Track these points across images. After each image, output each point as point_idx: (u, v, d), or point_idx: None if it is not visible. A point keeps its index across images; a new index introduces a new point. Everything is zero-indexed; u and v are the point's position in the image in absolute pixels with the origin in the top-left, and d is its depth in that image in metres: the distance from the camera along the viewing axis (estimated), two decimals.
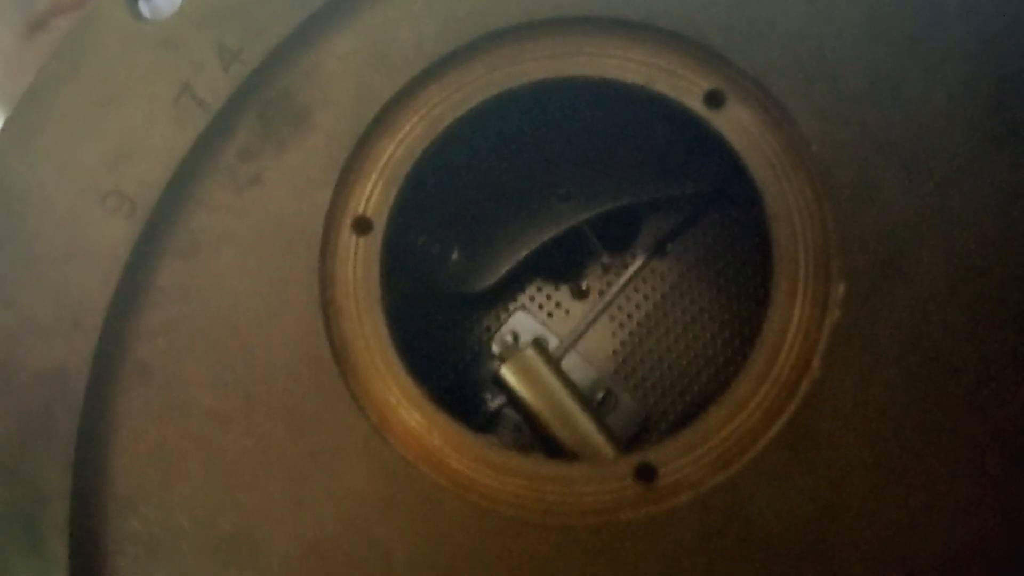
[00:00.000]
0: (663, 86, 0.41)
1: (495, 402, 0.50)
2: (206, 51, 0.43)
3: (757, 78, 0.40)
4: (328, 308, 0.42)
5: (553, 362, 0.47)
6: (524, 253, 0.56)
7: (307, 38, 0.43)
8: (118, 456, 0.41)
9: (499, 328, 0.56)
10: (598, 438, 0.44)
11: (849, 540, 0.36)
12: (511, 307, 0.57)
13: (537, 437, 0.46)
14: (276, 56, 0.43)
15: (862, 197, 0.38)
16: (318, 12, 0.43)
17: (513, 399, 0.46)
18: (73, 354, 0.41)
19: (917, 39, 0.38)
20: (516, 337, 0.52)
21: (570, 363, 0.56)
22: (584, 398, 0.46)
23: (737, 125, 0.40)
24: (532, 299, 0.58)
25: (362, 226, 0.43)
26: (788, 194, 0.39)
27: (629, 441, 0.55)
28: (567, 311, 0.57)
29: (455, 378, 0.53)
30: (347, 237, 0.43)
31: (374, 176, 0.43)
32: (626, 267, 0.57)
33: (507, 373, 0.45)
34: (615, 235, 0.57)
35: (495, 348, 0.47)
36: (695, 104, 0.41)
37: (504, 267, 0.56)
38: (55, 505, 0.40)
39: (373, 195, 0.43)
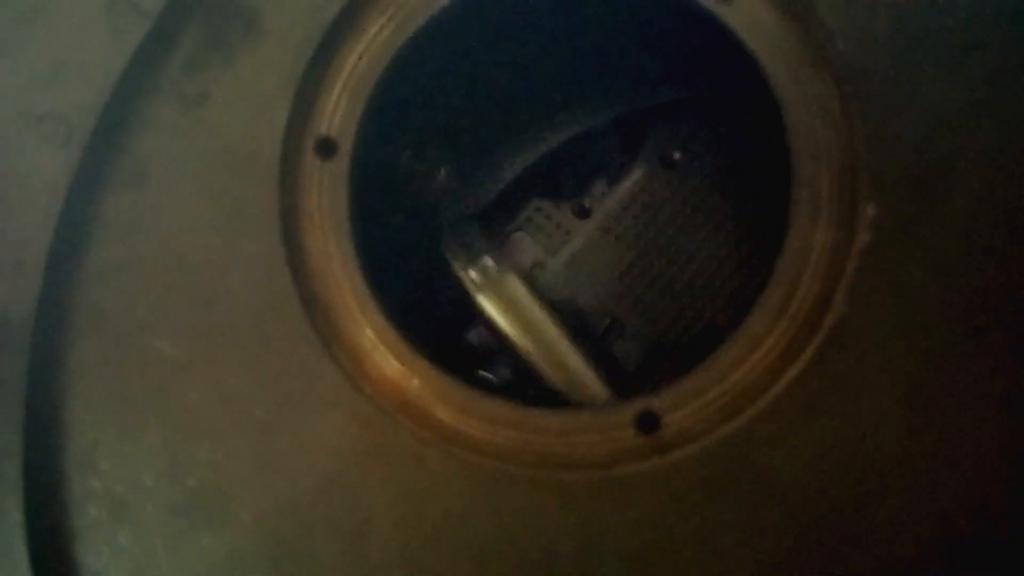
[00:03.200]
0: None
1: (478, 337, 0.46)
2: None
3: None
4: (291, 243, 0.37)
5: (538, 291, 0.42)
6: (520, 168, 0.51)
7: None
8: (73, 409, 0.38)
9: (495, 251, 0.51)
10: (587, 374, 0.39)
11: (875, 494, 0.32)
12: (507, 228, 0.53)
13: (523, 372, 0.42)
14: None
15: (895, 101, 0.32)
16: None
17: (494, 330, 0.41)
18: (16, 297, 0.38)
19: None
20: (497, 262, 0.47)
21: (573, 287, 0.52)
22: (571, 330, 0.41)
23: (751, 20, 0.35)
24: (530, 220, 0.53)
25: (326, 148, 0.38)
26: (810, 99, 0.34)
27: (636, 369, 0.51)
28: (568, 231, 0.53)
29: (445, 311, 0.49)
30: (309, 161, 0.38)
31: (337, 89, 0.38)
32: (631, 181, 0.52)
33: (485, 301, 0.41)
34: (619, 147, 0.52)
35: (473, 275, 0.42)
36: None
37: (498, 184, 0.52)
38: (7, 463, 0.37)
39: (337, 112, 0.38)
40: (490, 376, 0.49)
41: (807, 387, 0.33)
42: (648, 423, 0.34)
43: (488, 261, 0.42)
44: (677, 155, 0.52)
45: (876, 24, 0.33)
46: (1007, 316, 0.32)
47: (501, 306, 0.41)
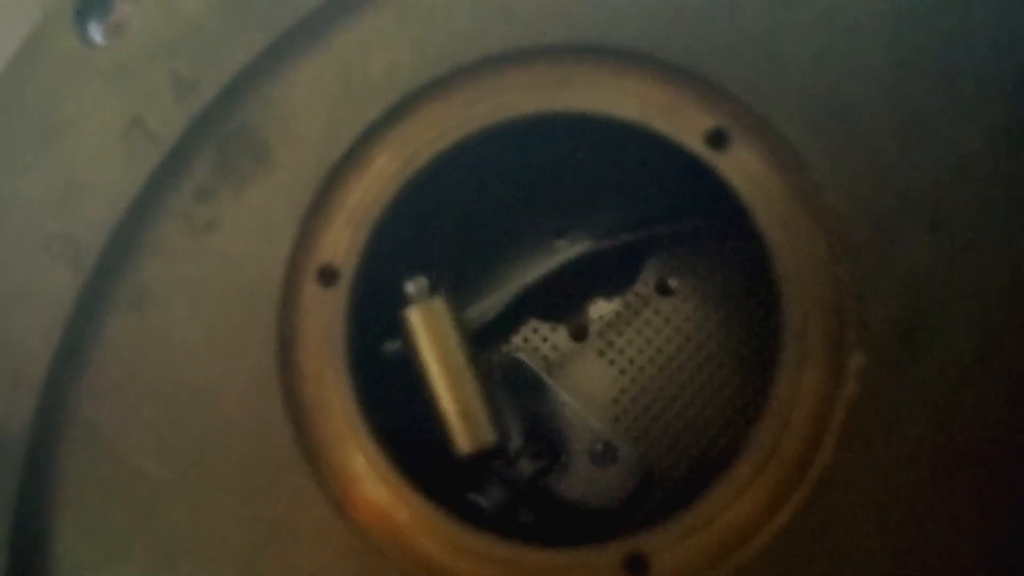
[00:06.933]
0: (660, 123, 0.37)
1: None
2: (159, 81, 0.39)
3: (765, 116, 0.35)
4: (287, 368, 0.38)
5: (462, 322, 0.43)
6: (517, 292, 0.52)
7: (269, 66, 0.40)
8: (61, 527, 0.38)
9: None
10: (479, 408, 0.40)
11: None
12: (503, 350, 0.53)
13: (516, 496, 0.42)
14: (235, 86, 0.39)
15: (882, 254, 0.33)
16: (281, 38, 0.39)
17: (409, 347, 0.41)
18: (11, 414, 0.38)
19: (946, 75, 0.34)
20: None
21: (567, 412, 0.52)
22: (478, 367, 0.42)
23: (742, 169, 0.36)
24: (526, 340, 0.53)
25: (328, 276, 0.39)
26: (798, 249, 0.34)
27: (628, 497, 0.51)
28: (564, 353, 0.53)
29: (436, 434, 0.49)
30: (311, 288, 0.39)
31: (342, 220, 0.39)
32: (628, 306, 0.52)
33: (412, 316, 0.41)
34: (616, 272, 0.53)
35: (410, 288, 0.41)
36: (695, 144, 0.36)
37: (495, 307, 0.52)
38: None
39: (341, 242, 0.39)
40: (481, 500, 0.49)
41: (794, 534, 0.33)
42: (636, 565, 0.34)
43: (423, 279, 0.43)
44: (674, 282, 0.53)
45: (863, 179, 0.34)
46: (992, 468, 0.32)
47: (423, 323, 0.41)
